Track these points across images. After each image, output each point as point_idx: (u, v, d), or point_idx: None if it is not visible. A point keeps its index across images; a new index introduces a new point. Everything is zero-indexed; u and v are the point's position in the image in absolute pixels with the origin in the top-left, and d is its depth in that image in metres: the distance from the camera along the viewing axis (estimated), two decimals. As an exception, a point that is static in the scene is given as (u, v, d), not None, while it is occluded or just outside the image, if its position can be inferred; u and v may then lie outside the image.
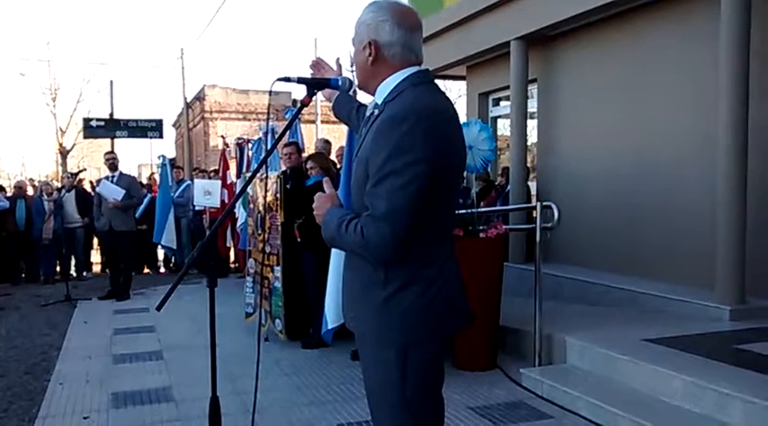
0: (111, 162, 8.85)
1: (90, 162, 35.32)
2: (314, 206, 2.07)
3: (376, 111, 1.98)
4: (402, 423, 1.96)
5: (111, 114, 21.28)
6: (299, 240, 5.78)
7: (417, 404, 1.95)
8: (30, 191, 12.18)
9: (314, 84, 2.28)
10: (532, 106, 8.17)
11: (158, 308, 2.22)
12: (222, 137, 12.53)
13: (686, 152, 6.06)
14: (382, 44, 1.97)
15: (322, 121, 24.32)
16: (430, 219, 1.88)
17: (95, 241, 11.98)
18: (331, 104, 2.57)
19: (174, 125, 34.40)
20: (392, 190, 1.80)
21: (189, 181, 11.77)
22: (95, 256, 12.72)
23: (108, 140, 18.81)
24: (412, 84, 1.95)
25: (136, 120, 18.37)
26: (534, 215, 5.12)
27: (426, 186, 1.81)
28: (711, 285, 5.35)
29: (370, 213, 1.84)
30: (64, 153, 31.02)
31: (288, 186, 6.00)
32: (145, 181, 14.08)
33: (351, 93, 2.42)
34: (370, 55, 1.98)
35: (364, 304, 1.98)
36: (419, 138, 1.80)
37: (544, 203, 5.14)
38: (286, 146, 6.37)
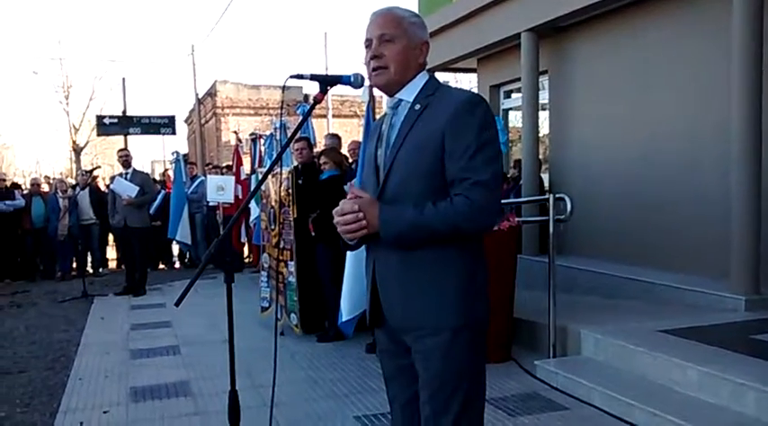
0: (125, 159, 8.91)
1: (103, 159, 35.60)
2: (356, 206, 1.99)
3: (416, 106, 2.06)
4: (478, 398, 2.08)
5: (124, 111, 21.39)
6: (313, 234, 5.81)
7: (484, 380, 2.11)
8: (45, 189, 12.30)
9: (326, 81, 2.30)
10: (544, 98, 8.15)
11: (177, 304, 2.25)
12: (235, 132, 12.57)
13: (699, 142, 6.03)
14: (429, 47, 2.16)
15: (333, 116, 24.35)
16: None
17: (110, 237, 12.07)
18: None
19: (186, 121, 34.49)
20: (490, 159, 1.96)
21: (202, 177, 11.83)
22: (111, 252, 12.83)
23: (121, 137, 18.92)
24: (438, 82, 2.14)
25: (148, 117, 18.45)
26: (548, 206, 5.12)
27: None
28: (726, 275, 5.34)
29: (476, 180, 1.92)
30: (77, 150, 31.21)
31: (300, 181, 6.04)
32: (158, 178, 14.16)
33: (363, 89, 2.44)
34: (420, 54, 2.12)
35: (439, 291, 2.00)
36: (492, 118, 2.03)
37: (557, 195, 5.14)
38: (297, 141, 6.40)
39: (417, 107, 2.05)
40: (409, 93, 2.09)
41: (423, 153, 1.98)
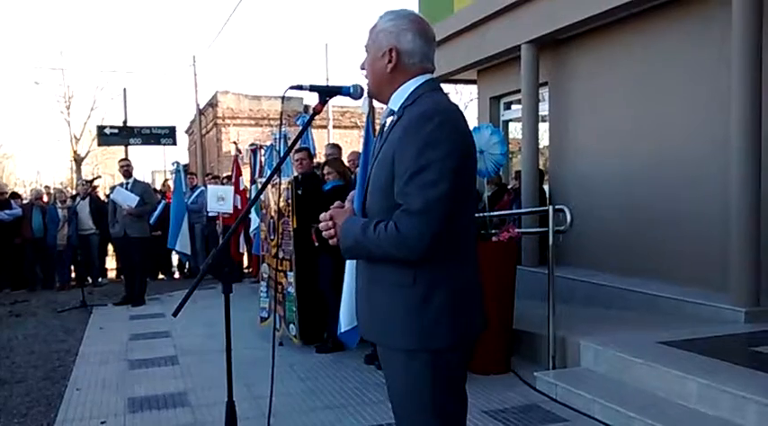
0: (126, 169, 8.92)
1: (104, 169, 35.62)
2: (329, 215, 2.05)
3: (394, 117, 2.01)
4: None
5: (125, 121, 21.45)
6: (316, 244, 5.76)
7: (446, 408, 1.97)
8: (44, 199, 12.31)
9: (326, 92, 2.30)
10: (544, 109, 8.17)
11: (174, 314, 2.25)
12: (235, 143, 12.60)
13: (699, 154, 6.04)
14: (403, 52, 2.02)
15: (333, 126, 24.41)
16: (456, 216, 1.90)
17: (110, 247, 12.06)
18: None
19: (186, 131, 34.55)
20: (426, 184, 1.82)
21: (202, 188, 11.83)
22: (110, 262, 12.81)
23: (122, 147, 18.97)
24: (429, 89, 2.01)
25: (149, 127, 18.51)
26: (547, 218, 5.12)
27: (456, 180, 1.85)
28: (726, 287, 5.33)
29: (405, 209, 1.85)
30: (78, 160, 31.30)
31: (299, 192, 6.04)
32: (159, 188, 14.17)
33: (363, 100, 2.44)
34: (389, 62, 2.02)
35: (390, 310, 1.97)
36: (447, 134, 1.86)
37: (556, 206, 5.14)
38: (297, 151, 6.41)
39: (394, 118, 2.01)
40: (395, 102, 2.04)
41: (382, 168, 1.95)
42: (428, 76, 2.05)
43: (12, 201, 11.08)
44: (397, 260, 1.90)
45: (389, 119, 2.05)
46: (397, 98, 2.03)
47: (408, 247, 1.85)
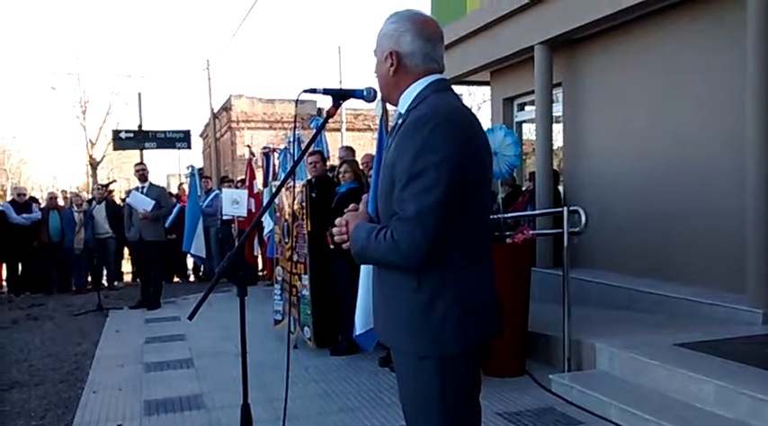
0: (141, 173, 8.98)
1: (120, 173, 35.94)
2: (344, 219, 2.05)
3: (400, 121, 2.00)
4: None
5: (140, 126, 21.56)
6: (331, 247, 5.74)
7: (455, 414, 1.95)
8: (61, 203, 12.41)
9: (339, 95, 2.31)
10: (557, 110, 8.14)
11: (190, 318, 2.26)
12: (249, 146, 12.63)
13: (715, 155, 5.99)
14: (403, 54, 2.00)
15: (347, 129, 24.46)
16: (460, 221, 1.87)
17: (126, 251, 12.14)
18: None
19: (201, 135, 34.77)
20: (420, 191, 1.80)
21: (217, 191, 11.88)
22: (126, 266, 12.90)
23: (137, 151, 19.10)
24: (434, 90, 1.98)
25: (164, 132, 18.62)
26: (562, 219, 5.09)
27: (454, 184, 1.81)
28: (743, 288, 5.28)
29: (400, 216, 1.84)
30: (94, 164, 31.60)
31: (313, 195, 6.05)
32: (174, 192, 14.24)
33: (376, 102, 2.44)
34: (391, 65, 2.01)
35: (398, 315, 1.96)
36: (443, 138, 1.82)
37: (571, 208, 5.11)
38: (310, 155, 6.42)
39: (400, 121, 2.00)
40: (402, 105, 2.03)
41: (386, 173, 1.96)
42: (435, 77, 2.02)
43: (32, 204, 11.20)
44: (394, 267, 1.90)
45: (399, 122, 2.06)
46: (404, 101, 2.02)
47: (404, 255, 1.84)
